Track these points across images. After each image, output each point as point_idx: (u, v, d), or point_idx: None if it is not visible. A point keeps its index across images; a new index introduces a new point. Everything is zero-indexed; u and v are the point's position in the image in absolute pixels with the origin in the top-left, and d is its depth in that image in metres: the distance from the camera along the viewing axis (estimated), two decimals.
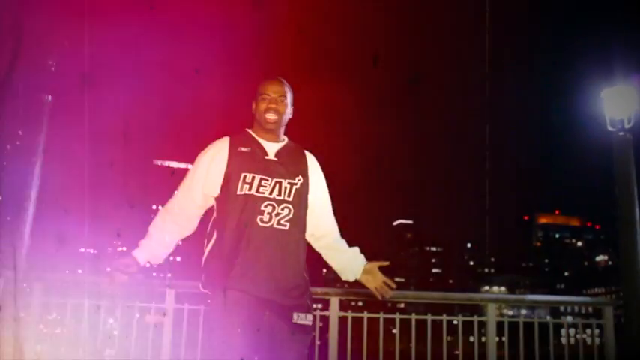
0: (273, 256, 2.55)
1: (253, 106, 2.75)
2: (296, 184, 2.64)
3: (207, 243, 2.67)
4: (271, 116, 2.67)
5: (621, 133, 4.80)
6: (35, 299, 4.35)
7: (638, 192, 4.78)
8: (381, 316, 4.69)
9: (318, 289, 4.59)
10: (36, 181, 4.08)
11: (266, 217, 2.54)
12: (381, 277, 2.81)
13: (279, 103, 2.69)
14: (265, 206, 2.55)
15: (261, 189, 2.57)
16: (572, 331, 5.11)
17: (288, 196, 2.60)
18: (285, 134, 2.81)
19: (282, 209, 2.57)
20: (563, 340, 4.93)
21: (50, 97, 4.12)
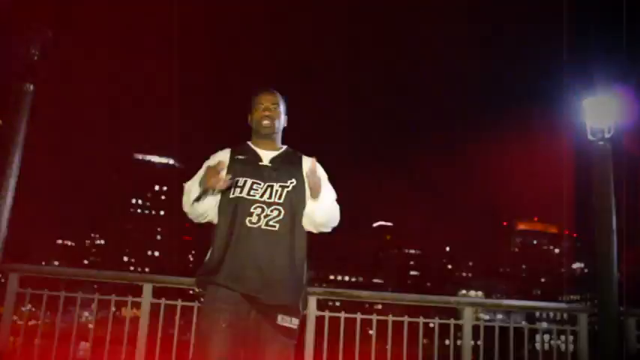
0: (260, 256, 2.61)
1: (249, 117, 2.91)
2: (287, 186, 2.73)
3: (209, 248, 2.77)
4: (266, 122, 2.82)
5: (601, 143, 4.84)
6: (10, 290, 4.31)
7: (615, 201, 4.83)
8: (359, 316, 4.70)
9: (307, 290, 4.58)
10: (15, 170, 4.04)
11: (254, 218, 2.64)
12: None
13: (273, 111, 2.86)
14: (255, 208, 2.65)
15: (252, 192, 2.68)
16: (546, 337, 5.15)
17: (279, 198, 2.69)
18: (284, 143, 2.94)
19: (272, 211, 2.66)
20: (538, 345, 4.97)
21: (32, 86, 4.08)
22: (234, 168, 2.75)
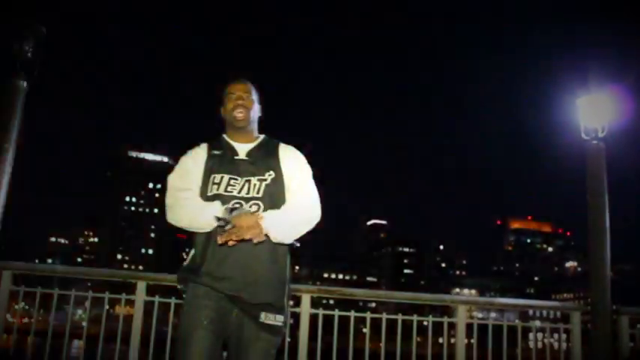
0: (241, 254, 2.53)
1: (222, 110, 2.83)
2: (266, 179, 2.65)
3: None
4: (239, 113, 2.72)
5: (595, 142, 4.85)
6: (3, 288, 4.29)
7: (609, 200, 4.84)
8: (352, 314, 4.70)
9: (290, 286, 4.58)
10: (8, 168, 4.02)
11: None
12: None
13: (246, 100, 2.75)
14: (233, 204, 2.55)
15: (229, 188, 2.61)
16: (539, 335, 5.17)
17: (257, 192, 2.61)
18: (262, 132, 2.85)
19: (251, 206, 2.57)
20: (531, 343, 4.99)
21: (25, 82, 4.07)
22: (211, 164, 2.68)
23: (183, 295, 2.68)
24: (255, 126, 2.82)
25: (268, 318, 2.58)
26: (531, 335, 5.17)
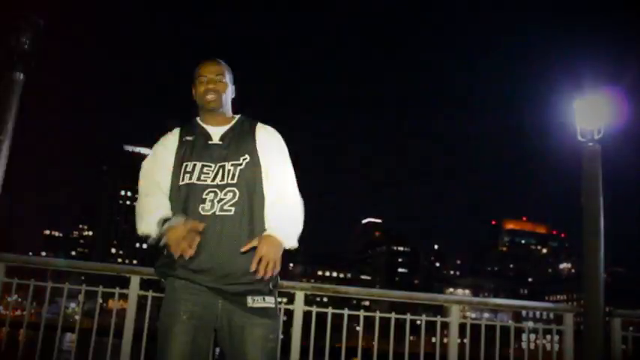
0: (215, 244, 2.41)
1: (193, 91, 2.69)
2: (240, 164, 2.52)
3: None
4: (211, 96, 2.60)
5: (591, 144, 4.86)
6: None
7: (604, 203, 4.85)
8: (346, 312, 4.70)
9: (284, 283, 4.59)
10: (3, 160, 4.01)
11: (208, 205, 2.44)
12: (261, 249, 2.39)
13: (218, 83, 2.63)
14: (207, 194, 2.46)
15: (202, 176, 2.49)
16: (532, 336, 5.18)
17: (232, 178, 2.49)
18: (236, 112, 2.74)
19: (226, 194, 2.46)
20: (524, 344, 4.99)
21: (22, 75, 4.05)
22: (183, 151, 2.56)
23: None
24: (228, 107, 2.70)
25: (257, 302, 2.44)
26: (524, 336, 5.18)
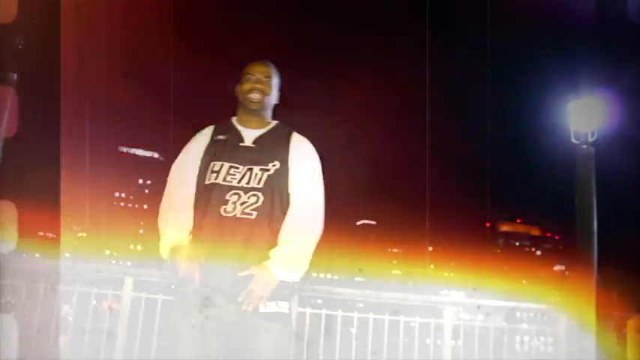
0: (230, 247, 2.38)
1: (237, 88, 2.66)
2: (269, 169, 2.47)
3: None
4: (255, 95, 2.57)
5: (584, 146, 4.88)
6: None
7: (597, 205, 4.86)
8: (340, 314, 4.70)
9: None
10: None
11: (230, 207, 2.40)
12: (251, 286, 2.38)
13: (265, 84, 2.59)
14: (231, 195, 2.41)
15: (228, 177, 2.45)
16: (526, 338, 5.18)
17: (258, 183, 2.44)
18: (275, 118, 2.71)
19: (249, 197, 2.41)
20: (518, 346, 5.00)
21: (15, 75, 4.04)
22: (213, 150, 2.54)
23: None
24: (269, 112, 2.67)
25: (269, 307, 2.40)
26: (518, 338, 5.19)
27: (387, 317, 4.79)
